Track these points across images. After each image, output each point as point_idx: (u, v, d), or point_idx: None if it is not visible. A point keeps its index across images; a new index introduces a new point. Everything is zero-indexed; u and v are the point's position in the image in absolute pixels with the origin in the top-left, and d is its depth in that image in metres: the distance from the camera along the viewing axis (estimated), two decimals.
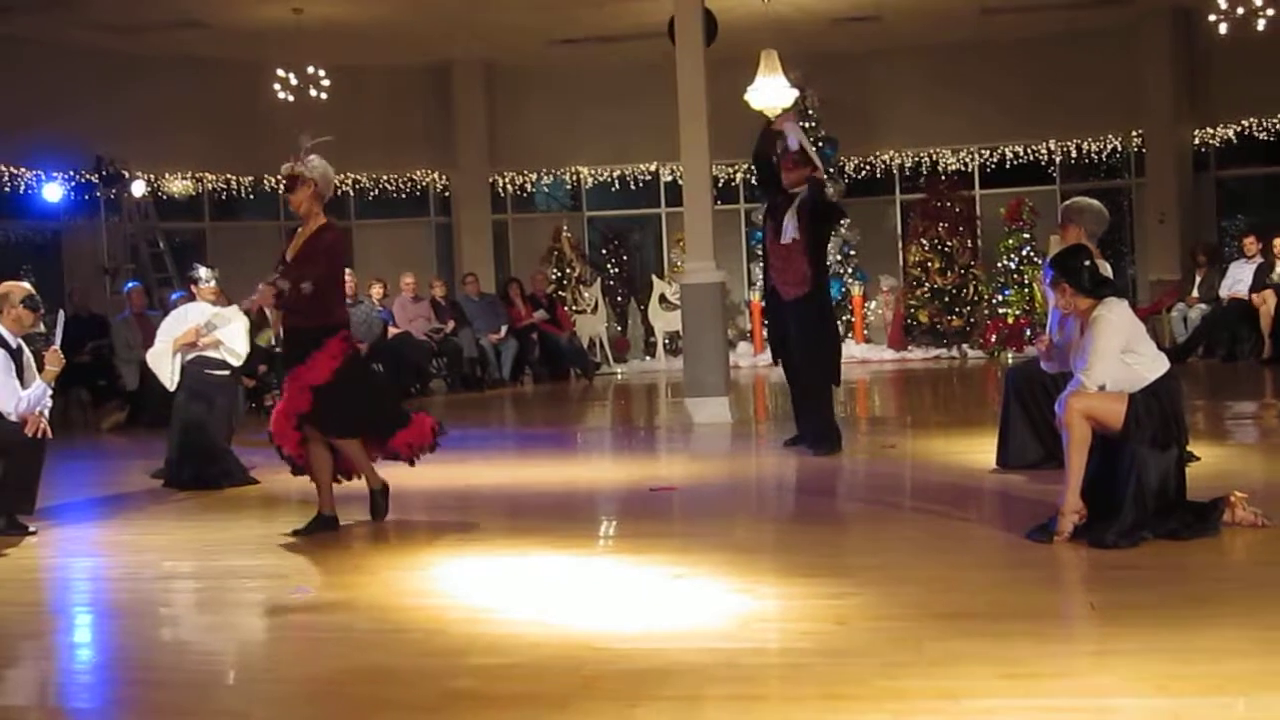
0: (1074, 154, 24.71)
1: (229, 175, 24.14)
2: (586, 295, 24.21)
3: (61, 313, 10.15)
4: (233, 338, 11.48)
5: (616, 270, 25.81)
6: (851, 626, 5.88)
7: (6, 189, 21.48)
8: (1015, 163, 25.01)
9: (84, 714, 5.44)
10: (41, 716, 5.53)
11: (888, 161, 25.38)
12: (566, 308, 23.48)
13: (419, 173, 25.81)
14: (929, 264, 23.31)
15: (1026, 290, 22.12)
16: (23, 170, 21.46)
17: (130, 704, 5.41)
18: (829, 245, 11.86)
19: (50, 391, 9.39)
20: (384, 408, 9.28)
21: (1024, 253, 22.54)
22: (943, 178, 24.52)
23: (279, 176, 9.20)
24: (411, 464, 9.19)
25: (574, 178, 26.34)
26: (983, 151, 25.02)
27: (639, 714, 4.86)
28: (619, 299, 25.46)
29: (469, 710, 5.03)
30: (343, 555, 8.19)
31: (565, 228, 25.21)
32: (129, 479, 12.16)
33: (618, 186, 26.17)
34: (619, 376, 23.02)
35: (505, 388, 21.21)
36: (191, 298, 11.91)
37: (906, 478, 10.72)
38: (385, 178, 25.56)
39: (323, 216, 8.93)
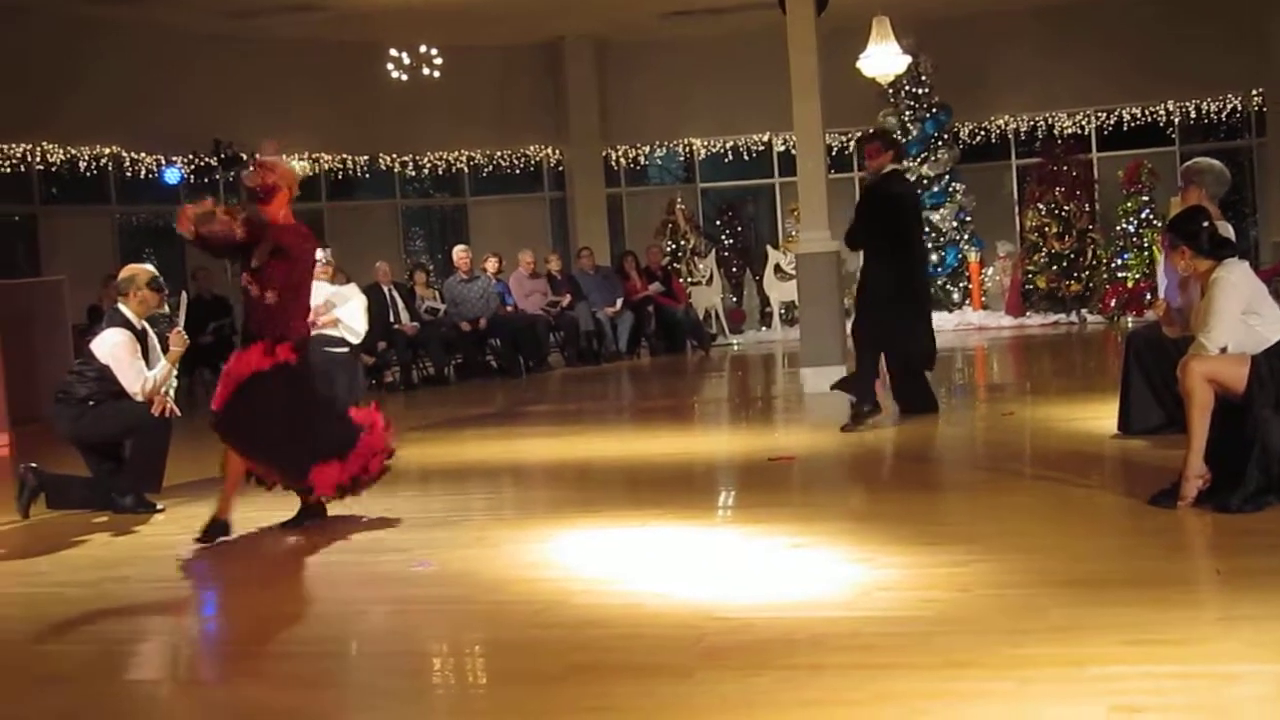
0: (1193, 114, 24.34)
1: (345, 155, 24.36)
2: (701, 267, 24.21)
3: (185, 294, 10.29)
4: (351, 316, 11.59)
5: (731, 241, 25.77)
6: (973, 594, 5.85)
7: (128, 174, 21.84)
8: (1133, 125, 24.67)
9: (214, 686, 5.53)
10: (173, 689, 5.64)
11: (1003, 126, 25.13)
12: (682, 280, 23.48)
13: (532, 149, 25.91)
14: (1046, 229, 23.08)
15: (1146, 254, 21.81)
16: (143, 155, 21.80)
17: (258, 676, 5.49)
18: (901, 229, 11.79)
19: (175, 372, 9.55)
20: (295, 437, 8.32)
21: (1143, 216, 22.25)
22: (1059, 141, 24.24)
23: (252, 185, 8.40)
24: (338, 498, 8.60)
25: (687, 150, 26.32)
26: (1100, 114, 24.70)
27: (760, 683, 4.86)
28: (734, 270, 25.44)
29: (592, 681, 5.07)
30: (464, 529, 8.26)
31: (679, 200, 25.23)
32: None
33: (731, 158, 26.14)
34: (735, 347, 23.01)
35: (622, 361, 21.25)
36: None
37: (1026, 445, 10.64)
38: (499, 154, 25.69)
39: (291, 218, 8.46)
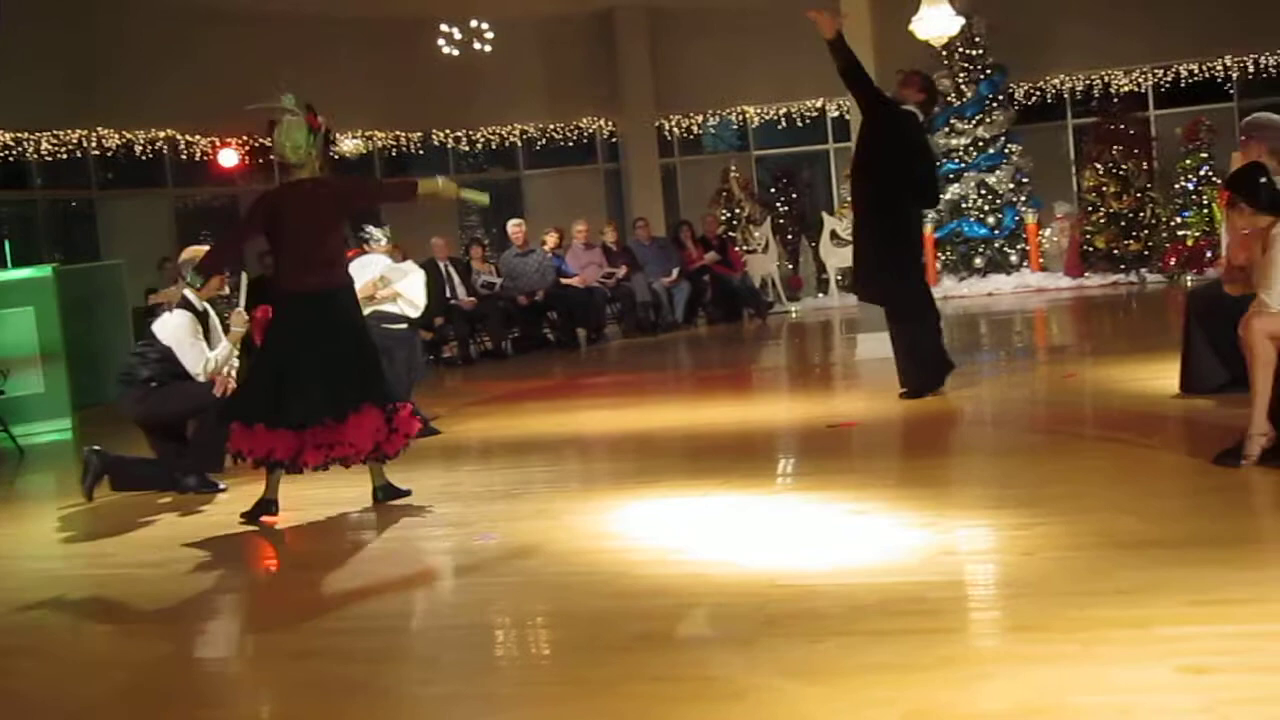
0: (1251, 70, 24.06)
1: (398, 132, 24.45)
2: (757, 234, 24.13)
3: (244, 275, 10.35)
4: (411, 290, 11.57)
5: (786, 208, 25.66)
6: (1038, 557, 5.82)
7: (183, 156, 21.96)
8: (1191, 81, 24.42)
9: (281, 663, 5.57)
10: (241, 667, 5.68)
11: (1059, 86, 24.93)
12: (738, 248, 23.44)
13: (585, 120, 25.91)
14: (1105, 188, 22.87)
15: (1206, 211, 21.63)
16: (198, 138, 21.90)
17: (323, 653, 5.52)
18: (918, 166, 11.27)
19: (236, 352, 9.62)
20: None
21: (1202, 173, 22.06)
22: (1116, 100, 24.05)
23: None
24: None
25: (740, 118, 26.26)
26: (1157, 71, 24.47)
27: (824, 650, 4.86)
28: (790, 237, 25.33)
29: (656, 651, 5.08)
30: (526, 501, 8.28)
31: (734, 168, 25.19)
32: None
33: (784, 124, 26.06)
34: (793, 315, 22.94)
35: (679, 330, 21.25)
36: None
37: (1089, 406, 10.58)
38: (552, 127, 25.70)
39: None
